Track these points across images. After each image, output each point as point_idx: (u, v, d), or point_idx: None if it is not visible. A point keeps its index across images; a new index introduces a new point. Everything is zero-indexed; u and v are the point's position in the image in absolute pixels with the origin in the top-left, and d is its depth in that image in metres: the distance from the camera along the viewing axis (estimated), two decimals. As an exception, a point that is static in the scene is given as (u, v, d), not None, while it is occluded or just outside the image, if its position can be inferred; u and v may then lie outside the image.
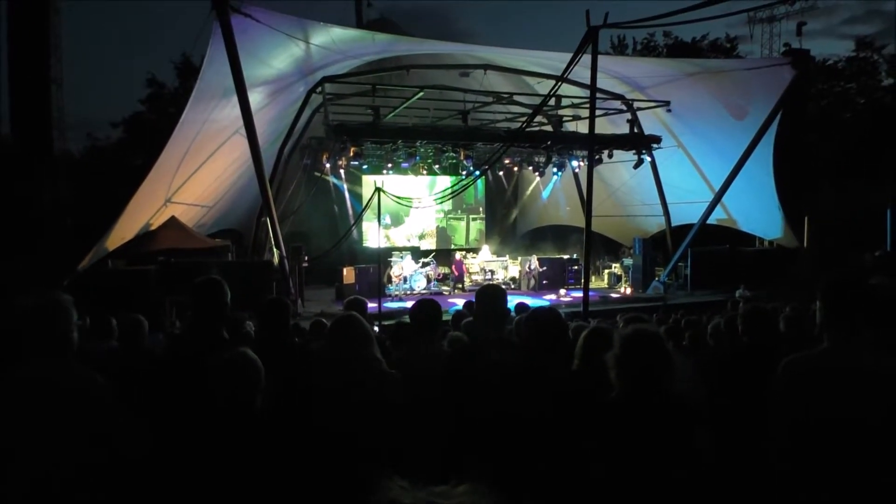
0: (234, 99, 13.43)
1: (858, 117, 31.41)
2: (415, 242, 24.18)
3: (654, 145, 19.91)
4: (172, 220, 16.52)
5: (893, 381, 2.53)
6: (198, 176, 16.57)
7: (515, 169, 23.69)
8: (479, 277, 20.63)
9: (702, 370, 4.09)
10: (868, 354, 2.61)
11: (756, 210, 20.97)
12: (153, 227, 16.34)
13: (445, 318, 6.11)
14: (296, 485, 2.70)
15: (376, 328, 9.95)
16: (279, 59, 15.53)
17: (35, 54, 19.33)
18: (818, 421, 2.57)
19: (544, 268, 20.43)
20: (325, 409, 3.17)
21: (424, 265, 19.95)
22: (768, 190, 19.98)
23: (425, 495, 0.91)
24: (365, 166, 19.87)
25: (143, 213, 15.67)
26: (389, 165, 19.61)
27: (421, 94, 18.01)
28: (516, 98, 20.39)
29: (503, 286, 20.65)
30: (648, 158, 19.90)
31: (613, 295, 19.61)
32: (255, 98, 14.37)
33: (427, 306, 3.98)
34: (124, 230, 15.27)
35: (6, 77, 19.98)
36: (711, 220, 20.64)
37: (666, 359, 2.56)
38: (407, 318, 6.72)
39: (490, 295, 3.59)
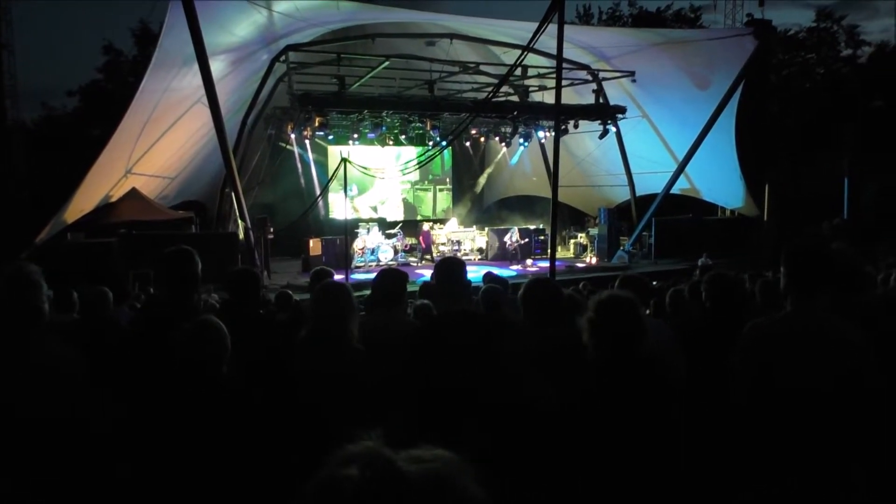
0: (195, 67, 13.11)
1: (817, 87, 31.89)
2: (381, 213, 24.02)
3: (619, 115, 20.02)
4: (133, 192, 16.20)
5: (850, 343, 2.62)
6: (159, 147, 16.22)
7: (482, 139, 23.60)
8: (446, 248, 20.61)
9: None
10: (827, 318, 2.69)
11: (718, 180, 21.27)
12: (113, 199, 16.02)
13: (413, 288, 6.10)
14: (262, 454, 2.69)
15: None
16: (241, 26, 15.18)
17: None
18: (778, 381, 2.64)
19: (525, 239, 20.44)
20: (298, 383, 3.14)
21: (390, 237, 19.89)
22: (730, 160, 20.26)
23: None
24: (331, 137, 19.64)
25: (102, 185, 15.32)
26: (355, 136, 19.40)
27: (387, 63, 17.79)
28: (483, 68, 20.26)
29: (470, 256, 20.61)
30: (613, 129, 20.02)
31: (579, 265, 19.78)
32: (216, 66, 14.04)
33: (391, 276, 3.90)
34: (83, 202, 14.94)
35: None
36: (675, 190, 20.89)
37: (639, 323, 2.60)
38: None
39: (448, 268, 3.56)
